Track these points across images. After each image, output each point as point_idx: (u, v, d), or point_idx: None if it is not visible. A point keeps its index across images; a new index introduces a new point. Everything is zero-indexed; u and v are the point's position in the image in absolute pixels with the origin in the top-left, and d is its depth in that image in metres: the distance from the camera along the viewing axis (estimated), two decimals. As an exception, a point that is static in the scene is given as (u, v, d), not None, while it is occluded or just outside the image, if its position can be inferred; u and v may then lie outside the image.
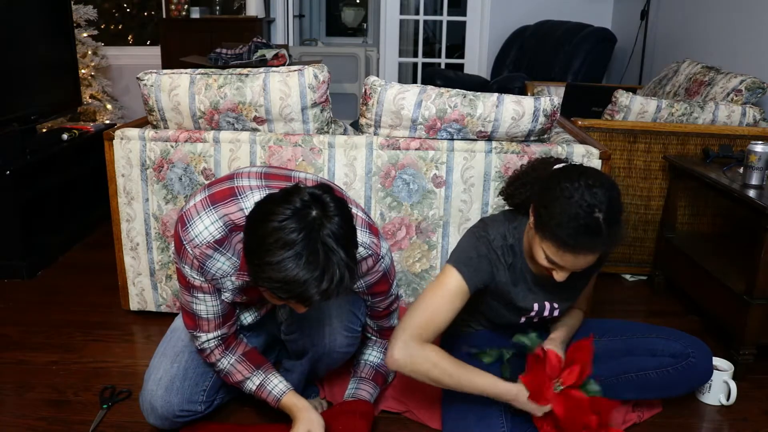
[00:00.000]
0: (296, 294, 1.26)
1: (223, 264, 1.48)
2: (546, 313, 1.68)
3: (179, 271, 1.53)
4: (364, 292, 1.62)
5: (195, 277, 1.50)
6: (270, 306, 1.71)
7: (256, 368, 1.62)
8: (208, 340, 1.59)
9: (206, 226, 1.45)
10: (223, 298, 1.55)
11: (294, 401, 1.58)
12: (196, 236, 1.45)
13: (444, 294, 1.55)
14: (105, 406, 1.79)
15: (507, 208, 1.70)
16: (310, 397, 1.81)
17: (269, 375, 1.61)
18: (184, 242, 1.46)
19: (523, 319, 1.70)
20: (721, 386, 1.86)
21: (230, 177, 1.52)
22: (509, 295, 1.63)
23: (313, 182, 1.55)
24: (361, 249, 1.49)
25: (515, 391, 1.54)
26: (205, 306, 1.55)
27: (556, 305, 1.68)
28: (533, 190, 1.55)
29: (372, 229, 1.55)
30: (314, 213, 1.25)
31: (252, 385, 1.61)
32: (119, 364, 2.04)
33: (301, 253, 1.22)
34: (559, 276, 1.49)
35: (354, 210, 1.50)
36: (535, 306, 1.66)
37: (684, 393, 1.79)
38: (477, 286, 1.59)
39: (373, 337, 1.77)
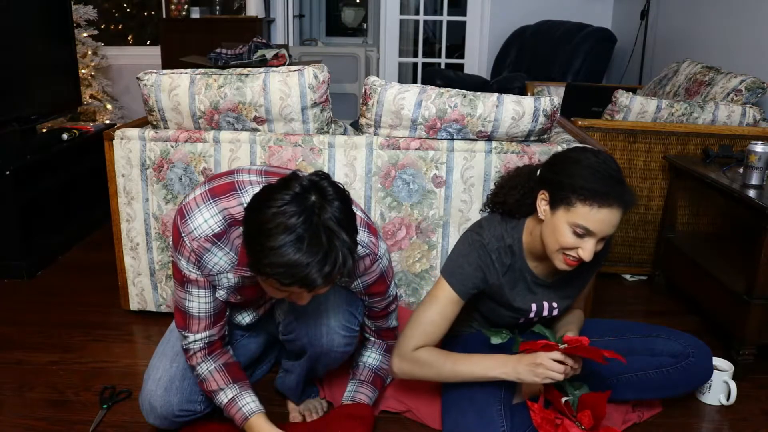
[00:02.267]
0: (300, 278, 1.24)
1: (220, 259, 1.48)
2: (545, 313, 1.67)
3: (175, 266, 1.52)
4: (362, 292, 1.61)
5: (191, 270, 1.49)
6: (268, 306, 1.71)
7: (232, 382, 1.57)
8: (195, 341, 1.57)
9: (206, 219, 1.44)
10: (217, 296, 1.54)
11: (262, 424, 1.53)
12: (195, 229, 1.45)
13: (435, 307, 1.62)
14: (105, 406, 1.79)
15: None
16: (311, 397, 1.81)
17: (243, 392, 1.57)
18: (183, 234, 1.46)
19: (522, 320, 1.70)
20: (721, 386, 1.86)
21: (230, 173, 1.51)
22: (505, 297, 1.63)
23: None
24: (359, 248, 1.49)
25: (511, 364, 1.55)
26: (198, 303, 1.53)
27: (555, 305, 1.68)
28: (529, 185, 1.57)
29: (370, 228, 1.55)
30: (313, 198, 1.25)
31: (224, 397, 1.56)
32: (119, 364, 2.04)
33: (302, 237, 1.22)
34: (587, 253, 1.46)
35: (353, 208, 1.50)
36: (533, 306, 1.66)
37: (684, 393, 1.79)
38: (469, 293, 1.61)
39: (372, 338, 1.76)
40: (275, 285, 1.30)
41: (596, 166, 1.44)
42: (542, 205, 1.52)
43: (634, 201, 1.47)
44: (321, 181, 1.28)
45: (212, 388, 1.57)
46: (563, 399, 1.59)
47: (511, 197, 1.61)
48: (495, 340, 1.64)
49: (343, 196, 1.30)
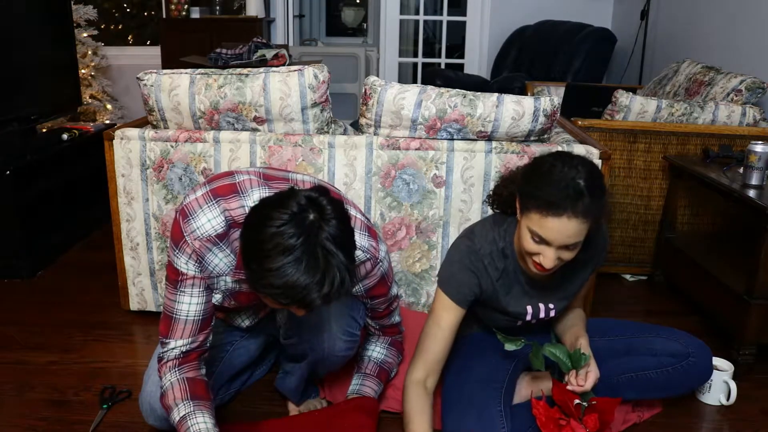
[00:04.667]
0: (297, 299, 1.24)
1: (220, 261, 1.48)
2: (542, 315, 1.67)
3: (170, 265, 1.50)
4: (363, 295, 1.61)
5: (190, 268, 1.47)
6: (269, 309, 1.71)
7: (189, 399, 1.45)
8: (174, 348, 1.50)
9: (208, 219, 1.44)
10: (213, 300, 1.53)
11: None
12: (198, 228, 1.44)
13: (437, 320, 1.63)
14: (105, 406, 1.79)
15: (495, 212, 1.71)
16: (311, 397, 1.81)
17: (197, 411, 1.44)
18: (185, 234, 1.45)
19: (519, 323, 1.70)
20: (721, 386, 1.86)
21: (230, 174, 1.51)
22: (500, 303, 1.64)
23: (311, 185, 1.54)
24: (359, 252, 1.48)
25: None
26: (188, 304, 1.49)
27: (551, 305, 1.67)
28: (517, 182, 1.58)
29: (371, 231, 1.55)
30: (312, 216, 1.23)
31: (177, 414, 1.44)
32: (119, 364, 2.04)
33: (300, 258, 1.20)
34: (546, 260, 1.46)
35: (352, 212, 1.49)
36: (529, 309, 1.65)
37: (684, 393, 1.80)
38: (467, 299, 1.61)
39: (376, 334, 1.77)
40: (272, 301, 1.30)
41: (557, 174, 1.42)
42: (518, 206, 1.53)
43: (595, 213, 1.42)
44: (320, 198, 1.26)
45: (168, 403, 1.46)
46: (575, 401, 1.59)
47: (507, 190, 1.62)
48: (509, 347, 1.63)
49: (341, 212, 1.28)
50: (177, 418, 1.44)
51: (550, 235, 1.43)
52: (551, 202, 1.40)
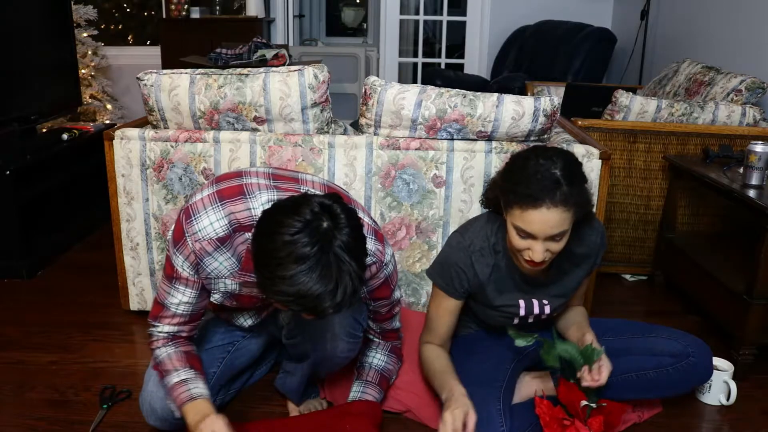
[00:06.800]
0: (309, 307, 1.24)
1: (220, 264, 1.48)
2: (536, 311, 1.67)
3: (168, 261, 1.50)
4: (366, 297, 1.61)
5: (185, 269, 1.48)
6: (272, 309, 1.71)
7: (189, 368, 1.52)
8: (162, 331, 1.55)
9: (211, 222, 1.44)
10: (213, 300, 1.54)
11: (207, 405, 1.46)
12: (200, 230, 1.44)
13: (434, 302, 1.70)
14: (105, 406, 1.79)
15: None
16: (311, 397, 1.81)
17: (197, 379, 1.50)
18: (187, 234, 1.45)
19: (516, 320, 1.70)
20: (721, 386, 1.86)
21: (239, 174, 1.50)
22: (487, 298, 1.64)
23: (320, 186, 1.54)
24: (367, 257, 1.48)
25: (446, 394, 1.58)
26: (179, 301, 1.51)
27: (545, 302, 1.67)
28: (498, 182, 1.59)
29: (378, 235, 1.54)
30: (325, 225, 1.23)
31: (176, 377, 1.49)
32: (119, 364, 2.04)
33: (314, 267, 1.20)
34: (536, 254, 1.46)
35: (361, 215, 1.49)
36: (521, 303, 1.66)
37: (684, 393, 1.79)
38: (459, 291, 1.64)
39: (376, 339, 1.76)
40: (282, 305, 1.30)
41: (531, 168, 1.43)
42: (502, 206, 1.54)
43: (575, 200, 1.43)
44: (333, 205, 1.26)
45: (166, 368, 1.51)
46: (582, 403, 1.58)
47: (492, 192, 1.63)
48: (520, 343, 1.62)
49: (354, 220, 1.28)
50: (175, 380, 1.48)
51: (534, 228, 1.44)
52: (529, 195, 1.41)
